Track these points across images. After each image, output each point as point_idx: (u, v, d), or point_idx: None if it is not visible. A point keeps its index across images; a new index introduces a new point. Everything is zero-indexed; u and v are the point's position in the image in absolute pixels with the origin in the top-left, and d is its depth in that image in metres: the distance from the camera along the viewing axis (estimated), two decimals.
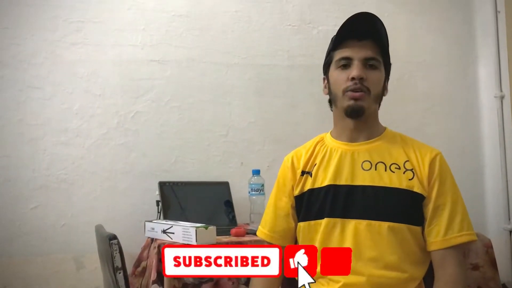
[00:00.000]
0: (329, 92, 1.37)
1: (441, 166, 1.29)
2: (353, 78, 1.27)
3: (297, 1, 2.64)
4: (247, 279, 1.75)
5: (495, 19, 2.73)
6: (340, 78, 1.31)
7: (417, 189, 1.26)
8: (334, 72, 1.33)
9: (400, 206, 1.26)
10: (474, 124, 2.82)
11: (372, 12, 1.35)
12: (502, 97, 2.70)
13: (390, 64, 1.37)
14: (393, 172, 1.28)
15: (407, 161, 1.29)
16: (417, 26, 2.79)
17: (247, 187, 2.23)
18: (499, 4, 2.73)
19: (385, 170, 1.29)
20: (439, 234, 1.24)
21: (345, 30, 1.31)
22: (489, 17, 2.76)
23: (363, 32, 1.30)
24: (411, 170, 1.28)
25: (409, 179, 1.27)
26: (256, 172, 2.22)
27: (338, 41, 1.32)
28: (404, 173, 1.28)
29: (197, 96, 2.49)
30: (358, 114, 1.30)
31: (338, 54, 1.32)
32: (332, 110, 1.40)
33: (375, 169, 1.30)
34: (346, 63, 1.30)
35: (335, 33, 1.35)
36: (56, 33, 2.35)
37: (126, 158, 2.39)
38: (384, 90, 1.36)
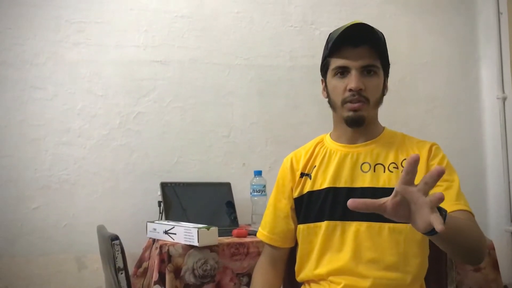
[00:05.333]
0: (328, 97, 1.36)
1: (437, 153, 1.29)
2: (350, 90, 1.26)
3: (299, 2, 2.64)
4: (248, 280, 1.75)
5: (498, 21, 2.73)
6: (338, 87, 1.29)
7: None
8: (331, 80, 1.32)
9: None
10: (476, 126, 2.81)
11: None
12: (504, 99, 2.70)
13: (389, 64, 1.35)
14: (392, 172, 1.28)
15: (405, 159, 1.29)
16: (419, 28, 2.79)
17: (249, 188, 2.23)
18: (501, 6, 2.72)
19: (384, 171, 1.29)
20: None
21: (340, 38, 1.28)
22: (492, 19, 2.75)
23: (358, 38, 1.27)
24: None
25: None
26: (258, 173, 2.22)
27: (333, 49, 1.30)
28: (402, 171, 1.27)
29: (199, 97, 2.49)
30: (359, 124, 1.30)
31: (334, 62, 1.30)
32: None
33: (374, 171, 1.29)
34: (343, 72, 1.29)
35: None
36: (59, 33, 2.36)
37: (128, 158, 2.39)
38: (384, 90, 1.34)
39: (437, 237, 0.97)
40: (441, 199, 0.86)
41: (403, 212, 0.92)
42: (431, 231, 0.91)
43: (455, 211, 1.17)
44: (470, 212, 1.20)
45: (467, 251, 1.10)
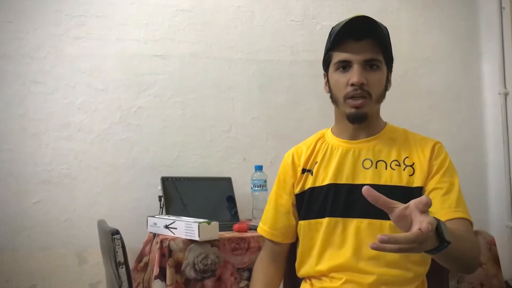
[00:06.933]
0: (330, 92, 1.35)
1: (440, 153, 1.28)
2: (353, 84, 1.25)
3: None
4: (249, 275, 1.75)
5: (500, 16, 2.72)
6: (340, 81, 1.28)
7: (417, 183, 1.24)
8: (333, 74, 1.31)
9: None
10: (477, 121, 2.81)
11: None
12: (506, 94, 2.69)
13: (392, 59, 1.33)
14: (394, 169, 1.27)
15: (407, 157, 1.28)
16: (421, 22, 2.78)
17: (249, 183, 2.23)
18: (503, 0, 2.71)
19: (386, 168, 1.28)
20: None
21: (343, 30, 1.27)
22: (494, 14, 2.74)
23: (361, 32, 1.26)
24: (411, 166, 1.27)
25: (410, 175, 1.25)
26: (259, 168, 2.22)
27: (336, 42, 1.29)
28: (404, 169, 1.27)
29: (200, 92, 2.49)
30: (361, 120, 1.28)
31: (337, 56, 1.29)
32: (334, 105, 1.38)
33: (376, 167, 1.28)
34: (345, 66, 1.27)
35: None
36: (59, 27, 2.35)
37: (129, 153, 2.39)
38: (387, 85, 1.33)
39: (436, 255, 0.97)
40: (427, 203, 0.90)
41: (403, 224, 0.92)
42: (431, 250, 0.92)
43: (454, 219, 1.17)
44: (469, 220, 1.20)
45: (462, 264, 1.10)
